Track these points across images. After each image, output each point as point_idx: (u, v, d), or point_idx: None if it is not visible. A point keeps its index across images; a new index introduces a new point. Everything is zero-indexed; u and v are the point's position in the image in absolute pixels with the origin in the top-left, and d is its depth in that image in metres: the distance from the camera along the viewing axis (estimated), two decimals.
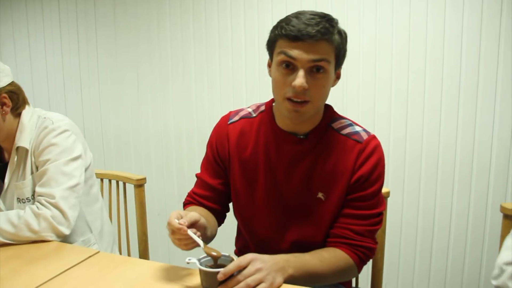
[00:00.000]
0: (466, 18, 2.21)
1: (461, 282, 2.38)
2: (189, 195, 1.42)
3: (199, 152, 2.90)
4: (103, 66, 3.17)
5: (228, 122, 1.36)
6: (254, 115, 1.34)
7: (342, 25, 1.18)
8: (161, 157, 3.07)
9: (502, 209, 1.38)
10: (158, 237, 2.81)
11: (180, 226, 1.01)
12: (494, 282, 1.07)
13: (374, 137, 1.26)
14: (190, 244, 1.06)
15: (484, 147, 2.27)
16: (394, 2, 2.34)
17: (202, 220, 1.10)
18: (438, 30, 2.28)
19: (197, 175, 1.43)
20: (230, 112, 1.40)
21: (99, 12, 3.10)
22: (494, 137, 2.26)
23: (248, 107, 1.39)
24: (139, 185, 1.88)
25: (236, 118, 1.36)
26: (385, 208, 1.32)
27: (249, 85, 2.74)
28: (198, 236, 1.04)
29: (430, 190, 2.40)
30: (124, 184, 1.95)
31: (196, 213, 1.09)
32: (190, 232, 1.02)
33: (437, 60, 2.30)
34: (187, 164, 2.98)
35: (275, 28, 1.17)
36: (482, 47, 2.21)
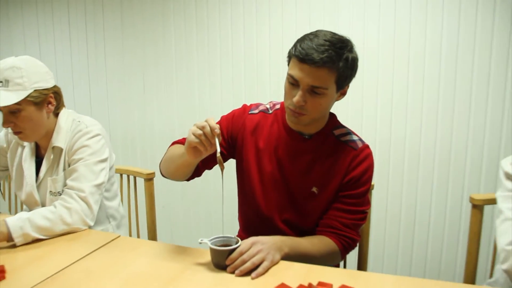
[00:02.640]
0: (445, 27, 2.36)
1: (440, 261, 2.56)
2: (183, 139, 1.48)
3: None
4: (111, 68, 3.25)
5: (249, 112, 1.49)
6: (270, 111, 1.48)
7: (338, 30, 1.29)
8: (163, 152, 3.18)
9: (471, 199, 1.54)
10: (163, 227, 2.95)
11: (217, 126, 1.12)
12: (503, 267, 1.13)
13: (367, 146, 1.40)
14: (208, 148, 1.14)
15: (459, 148, 2.44)
16: (380, 4, 2.47)
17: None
18: (420, 38, 2.42)
19: None
20: (252, 104, 1.53)
21: (107, 16, 3.19)
22: (469, 139, 2.42)
23: (267, 104, 1.52)
24: (149, 179, 1.99)
25: (256, 111, 1.48)
26: (369, 208, 1.47)
27: (248, 87, 2.84)
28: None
29: (411, 185, 2.56)
30: (135, 178, 2.06)
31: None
32: (217, 138, 1.13)
33: (419, 68, 2.45)
34: None
35: (294, 45, 1.28)
36: (459, 54, 2.37)
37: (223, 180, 1.23)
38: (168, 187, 3.03)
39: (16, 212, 2.13)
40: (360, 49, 2.44)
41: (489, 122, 2.38)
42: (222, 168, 1.19)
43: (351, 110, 2.60)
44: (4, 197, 2.12)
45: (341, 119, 1.47)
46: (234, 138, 1.47)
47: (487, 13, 2.29)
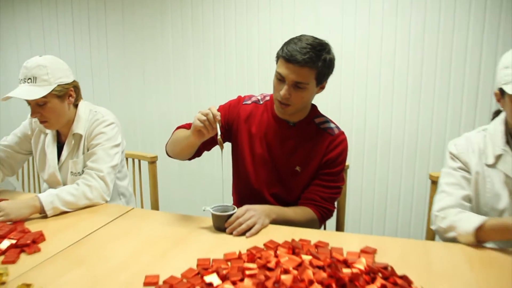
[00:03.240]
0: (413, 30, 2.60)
1: (409, 225, 2.81)
2: (186, 124, 1.67)
3: None
4: (113, 61, 3.39)
5: (243, 103, 1.69)
6: (261, 102, 1.68)
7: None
8: (163, 142, 3.34)
9: (430, 177, 1.79)
10: (164, 206, 3.15)
11: (218, 113, 1.33)
12: (432, 227, 1.40)
13: (343, 133, 1.62)
14: (210, 131, 1.35)
15: (425, 135, 2.69)
16: (356, 6, 2.67)
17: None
18: (390, 35, 2.64)
19: None
20: (245, 96, 1.72)
21: (109, 13, 3.32)
22: (432, 128, 2.67)
23: (258, 95, 1.71)
24: (152, 162, 2.20)
25: (249, 102, 1.69)
26: (344, 184, 1.69)
27: (239, 80, 3.01)
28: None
29: (384, 166, 2.81)
30: (139, 161, 2.26)
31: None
32: (218, 123, 1.34)
33: (389, 66, 2.68)
34: None
35: (281, 47, 1.48)
36: (424, 52, 2.59)
37: (222, 158, 1.45)
38: (165, 172, 3.18)
39: (29, 191, 2.33)
40: (338, 48, 2.68)
41: (450, 114, 2.62)
42: (222, 148, 1.41)
43: (331, 102, 2.82)
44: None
45: (322, 109, 1.68)
46: (230, 125, 1.68)
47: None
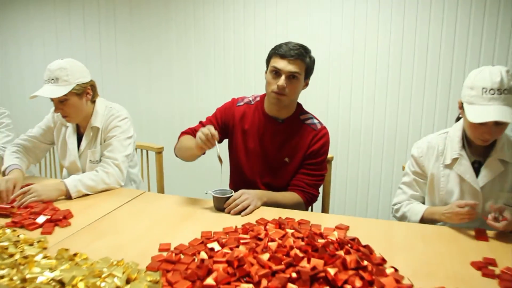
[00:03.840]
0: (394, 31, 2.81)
1: (388, 207, 2.98)
2: (189, 129, 1.91)
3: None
4: (121, 57, 3.56)
5: (236, 104, 1.89)
6: (252, 102, 1.88)
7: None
8: (168, 133, 3.54)
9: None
10: (166, 192, 3.36)
11: (216, 133, 1.55)
12: (395, 215, 1.69)
13: (324, 128, 1.82)
14: (210, 146, 1.56)
15: (403, 128, 2.88)
16: (343, 7, 2.87)
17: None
18: (373, 41, 2.83)
19: (200, 121, 1.92)
20: (239, 98, 1.92)
21: (118, 14, 3.49)
22: (410, 121, 2.86)
23: (250, 96, 1.91)
24: (159, 152, 2.40)
25: (242, 103, 1.89)
26: (326, 172, 1.89)
27: (237, 75, 3.19)
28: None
29: (366, 155, 3.02)
30: (147, 151, 2.46)
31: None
32: (217, 142, 1.57)
33: (371, 66, 2.87)
34: None
35: (272, 50, 1.72)
36: (403, 52, 2.79)
37: (222, 170, 1.66)
38: (168, 159, 3.36)
39: (50, 177, 2.55)
40: (326, 48, 2.86)
41: (425, 112, 2.82)
42: (221, 163, 1.63)
43: (320, 101, 3.02)
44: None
45: (312, 107, 1.87)
46: (226, 124, 1.88)
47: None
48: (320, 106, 3.03)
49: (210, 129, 1.56)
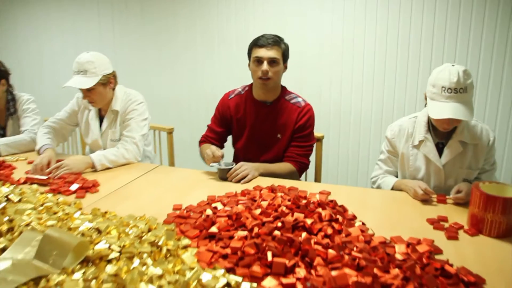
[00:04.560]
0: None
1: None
2: (203, 137, 2.20)
3: (204, 109, 3.63)
4: (133, 47, 3.78)
5: (229, 97, 2.13)
6: (242, 92, 2.12)
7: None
8: (176, 113, 3.76)
9: None
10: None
11: (221, 152, 1.84)
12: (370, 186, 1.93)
13: (308, 104, 2.04)
14: (216, 161, 1.85)
15: (389, 107, 3.09)
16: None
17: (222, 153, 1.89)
18: (360, 31, 3.02)
19: (208, 125, 2.20)
20: (230, 91, 2.16)
21: (130, 8, 3.69)
22: (395, 101, 3.07)
23: (239, 88, 2.14)
24: (170, 132, 2.65)
25: (233, 95, 2.13)
26: (314, 142, 2.11)
27: (237, 63, 3.36)
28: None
29: (356, 133, 3.24)
30: (159, 132, 2.73)
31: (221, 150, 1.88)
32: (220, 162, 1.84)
33: (359, 52, 3.07)
34: (195, 118, 3.71)
35: (251, 44, 1.96)
36: (388, 40, 2.99)
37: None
38: (178, 139, 3.54)
39: (73, 153, 2.80)
40: (320, 40, 3.05)
41: (408, 93, 3.03)
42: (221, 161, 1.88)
43: (313, 87, 3.23)
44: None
45: (307, 92, 2.10)
46: (226, 118, 2.13)
47: None
48: (314, 91, 3.24)
49: (214, 150, 1.85)
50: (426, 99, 1.67)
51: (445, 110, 1.53)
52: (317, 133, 2.30)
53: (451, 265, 1.08)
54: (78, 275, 0.98)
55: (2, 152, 2.26)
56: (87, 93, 2.07)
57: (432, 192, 1.59)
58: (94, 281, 0.93)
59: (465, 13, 2.79)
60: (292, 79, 3.20)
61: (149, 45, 3.74)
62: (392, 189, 1.78)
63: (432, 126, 1.75)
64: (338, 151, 3.33)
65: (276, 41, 1.92)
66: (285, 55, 1.97)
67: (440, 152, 1.73)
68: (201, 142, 2.21)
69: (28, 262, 1.05)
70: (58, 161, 1.98)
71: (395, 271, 1.01)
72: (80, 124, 2.35)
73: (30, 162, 2.13)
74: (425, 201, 1.61)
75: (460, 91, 1.53)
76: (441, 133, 1.73)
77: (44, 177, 1.81)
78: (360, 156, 3.29)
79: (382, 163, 1.92)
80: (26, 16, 4.16)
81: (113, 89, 2.21)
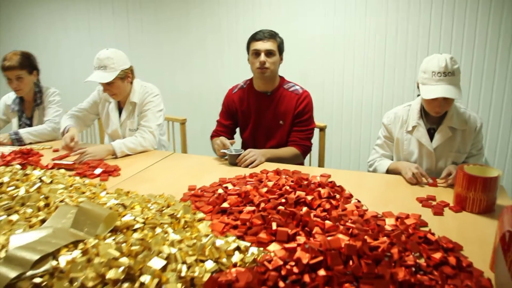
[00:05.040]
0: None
1: None
2: (214, 131, 2.33)
3: (214, 102, 3.69)
4: (148, 44, 3.91)
5: (233, 92, 2.28)
6: (244, 86, 2.26)
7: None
8: (188, 105, 3.90)
9: None
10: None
11: (229, 141, 1.98)
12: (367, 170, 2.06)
13: (305, 91, 2.18)
14: (225, 148, 2.00)
15: (388, 98, 3.19)
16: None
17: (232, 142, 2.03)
18: (361, 24, 3.13)
19: (217, 120, 2.34)
20: (233, 86, 2.31)
21: (145, 9, 3.84)
22: (394, 93, 3.18)
23: (241, 82, 2.28)
24: (183, 123, 2.80)
25: (236, 90, 2.28)
26: (314, 126, 2.23)
27: (244, 59, 3.54)
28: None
29: (357, 123, 3.37)
30: (173, 122, 2.88)
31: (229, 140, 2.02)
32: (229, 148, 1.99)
33: (360, 46, 3.17)
34: (206, 111, 3.85)
35: (249, 39, 2.10)
36: (387, 35, 3.10)
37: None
38: (189, 129, 3.71)
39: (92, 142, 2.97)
40: (322, 36, 3.16)
41: (407, 83, 3.13)
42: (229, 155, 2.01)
43: (317, 78, 3.35)
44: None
45: (310, 84, 2.24)
46: (232, 111, 2.28)
47: None
48: (318, 83, 3.35)
49: (224, 140, 2.02)
50: (418, 87, 1.80)
51: (437, 91, 1.67)
52: (320, 122, 2.44)
53: (433, 234, 1.22)
54: (109, 240, 1.13)
55: (26, 140, 2.44)
56: (107, 86, 2.22)
57: (425, 175, 1.72)
58: (124, 244, 1.08)
59: (459, 9, 2.89)
60: (297, 72, 3.35)
61: (162, 43, 3.87)
62: (387, 171, 1.90)
63: (424, 113, 1.88)
64: (341, 139, 3.45)
65: (272, 35, 2.07)
66: (280, 48, 2.12)
67: (431, 137, 1.86)
68: (212, 136, 2.34)
69: (66, 229, 1.21)
70: (80, 148, 2.14)
71: (384, 238, 1.14)
72: (101, 115, 2.50)
73: (55, 150, 2.30)
74: (417, 184, 1.73)
75: (448, 74, 1.67)
76: (432, 119, 1.86)
77: (71, 162, 1.97)
78: (361, 144, 3.41)
79: (379, 147, 2.05)
80: (45, 14, 4.32)
81: (131, 82, 2.35)
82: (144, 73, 3.88)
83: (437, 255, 1.08)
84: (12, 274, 0.98)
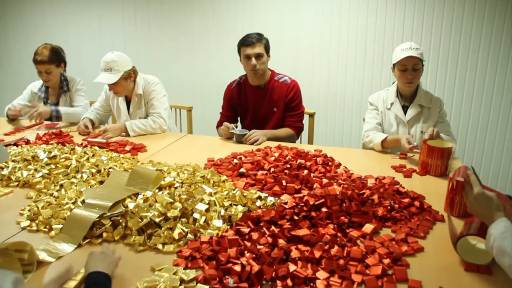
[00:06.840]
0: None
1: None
2: (219, 122, 2.55)
3: (215, 93, 3.97)
4: (154, 39, 4.10)
5: (231, 87, 2.53)
6: (241, 81, 2.52)
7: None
8: (191, 95, 4.08)
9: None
10: None
11: (231, 125, 2.25)
12: (364, 141, 2.31)
13: (294, 80, 2.44)
14: (229, 134, 2.29)
15: (366, 90, 3.47)
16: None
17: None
18: (344, 23, 3.42)
19: (220, 113, 2.59)
20: (231, 82, 2.55)
21: (152, 8, 4.01)
22: (372, 86, 3.49)
23: (238, 77, 2.53)
24: (189, 110, 3.03)
25: (234, 85, 2.53)
26: (304, 109, 2.50)
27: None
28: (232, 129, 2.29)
29: (340, 111, 3.67)
30: (180, 110, 3.12)
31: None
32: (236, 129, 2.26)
33: (349, 42, 3.45)
34: (207, 100, 4.06)
35: (238, 43, 2.34)
36: (376, 31, 3.42)
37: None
38: (194, 117, 4.04)
39: None
40: (312, 34, 3.43)
41: (383, 77, 3.44)
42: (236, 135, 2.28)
43: (306, 71, 3.62)
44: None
45: (300, 77, 2.53)
46: (233, 104, 2.53)
47: None
48: (307, 76, 3.63)
49: (226, 125, 2.28)
50: (393, 70, 2.13)
51: (407, 53, 2.01)
52: (309, 109, 2.74)
53: (403, 187, 1.55)
54: (160, 193, 1.42)
55: (64, 120, 2.69)
56: (112, 86, 2.43)
57: (415, 145, 1.91)
58: (174, 193, 1.38)
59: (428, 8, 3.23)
60: (288, 65, 3.63)
61: (167, 37, 4.05)
62: (384, 140, 2.10)
63: (399, 94, 2.21)
64: (327, 124, 3.76)
65: (259, 39, 2.30)
66: (267, 48, 2.36)
67: (405, 112, 2.19)
68: (218, 126, 2.58)
69: (123, 186, 1.49)
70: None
71: (367, 191, 1.47)
72: (112, 108, 2.72)
73: (80, 133, 2.53)
74: (411, 149, 1.95)
75: (413, 49, 2.02)
76: (406, 98, 2.20)
77: (104, 140, 2.22)
78: (344, 128, 3.72)
79: (371, 119, 2.28)
80: (55, 13, 4.44)
81: (134, 81, 2.54)
82: (150, 65, 4.14)
83: (406, 200, 1.41)
84: (95, 215, 1.26)
